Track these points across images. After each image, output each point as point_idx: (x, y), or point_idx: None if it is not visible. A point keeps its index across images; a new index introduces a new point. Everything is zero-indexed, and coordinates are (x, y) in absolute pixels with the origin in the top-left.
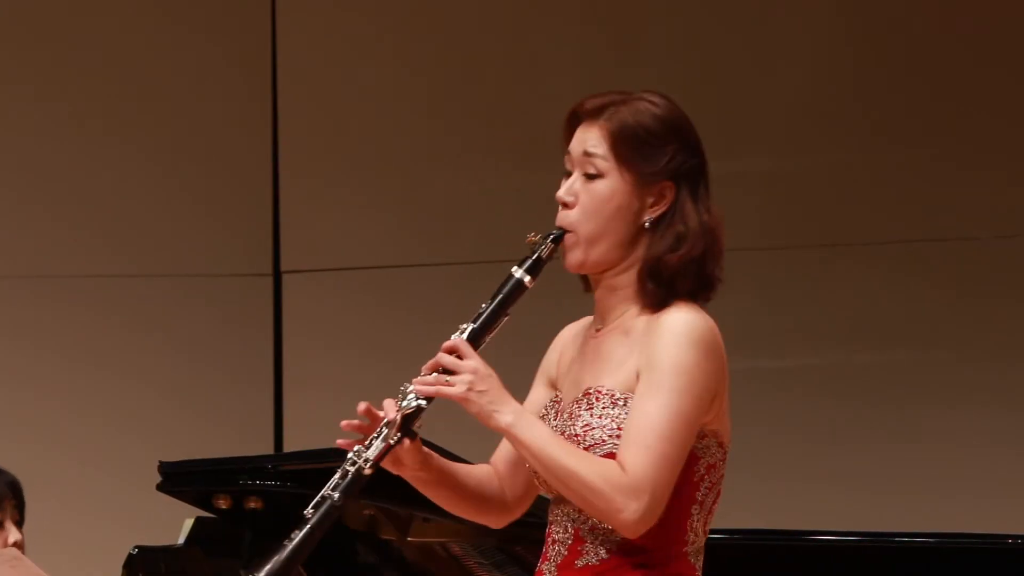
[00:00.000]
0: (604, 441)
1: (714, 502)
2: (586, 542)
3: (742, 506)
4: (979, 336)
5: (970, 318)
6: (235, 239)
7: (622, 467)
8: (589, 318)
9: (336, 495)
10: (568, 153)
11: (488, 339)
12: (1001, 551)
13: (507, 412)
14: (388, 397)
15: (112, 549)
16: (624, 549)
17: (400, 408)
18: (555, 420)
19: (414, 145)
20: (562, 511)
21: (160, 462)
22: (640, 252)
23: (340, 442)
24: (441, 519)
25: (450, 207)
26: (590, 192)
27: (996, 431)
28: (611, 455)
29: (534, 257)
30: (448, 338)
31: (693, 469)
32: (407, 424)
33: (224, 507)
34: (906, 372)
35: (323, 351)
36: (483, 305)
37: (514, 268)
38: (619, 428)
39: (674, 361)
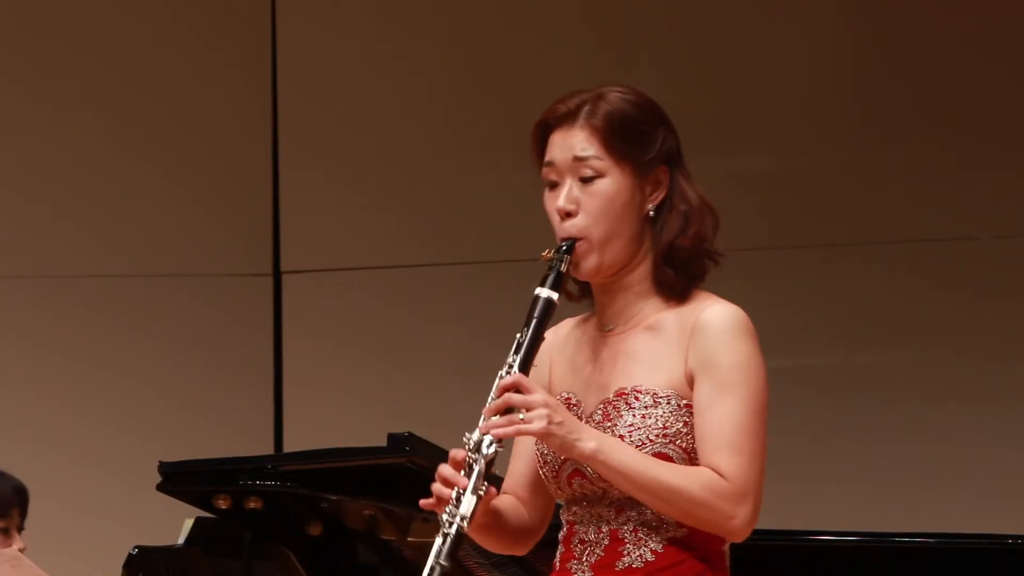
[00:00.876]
0: (652, 440)
1: None
2: (627, 543)
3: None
4: (979, 336)
5: (970, 318)
6: (235, 239)
7: (720, 474)
8: (571, 321)
9: (445, 562)
10: (549, 164)
11: (536, 365)
12: (1001, 551)
13: (589, 439)
14: (387, 398)
15: (112, 549)
16: (668, 552)
17: (483, 456)
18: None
19: (414, 145)
20: (591, 512)
21: (160, 462)
22: (648, 243)
23: (423, 503)
24: None
25: (450, 207)
26: (593, 194)
27: (996, 431)
28: (660, 455)
29: (555, 273)
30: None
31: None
32: (489, 472)
33: (224, 507)
34: (906, 372)
35: (323, 351)
36: (519, 335)
37: (538, 289)
38: (664, 427)
39: (734, 358)
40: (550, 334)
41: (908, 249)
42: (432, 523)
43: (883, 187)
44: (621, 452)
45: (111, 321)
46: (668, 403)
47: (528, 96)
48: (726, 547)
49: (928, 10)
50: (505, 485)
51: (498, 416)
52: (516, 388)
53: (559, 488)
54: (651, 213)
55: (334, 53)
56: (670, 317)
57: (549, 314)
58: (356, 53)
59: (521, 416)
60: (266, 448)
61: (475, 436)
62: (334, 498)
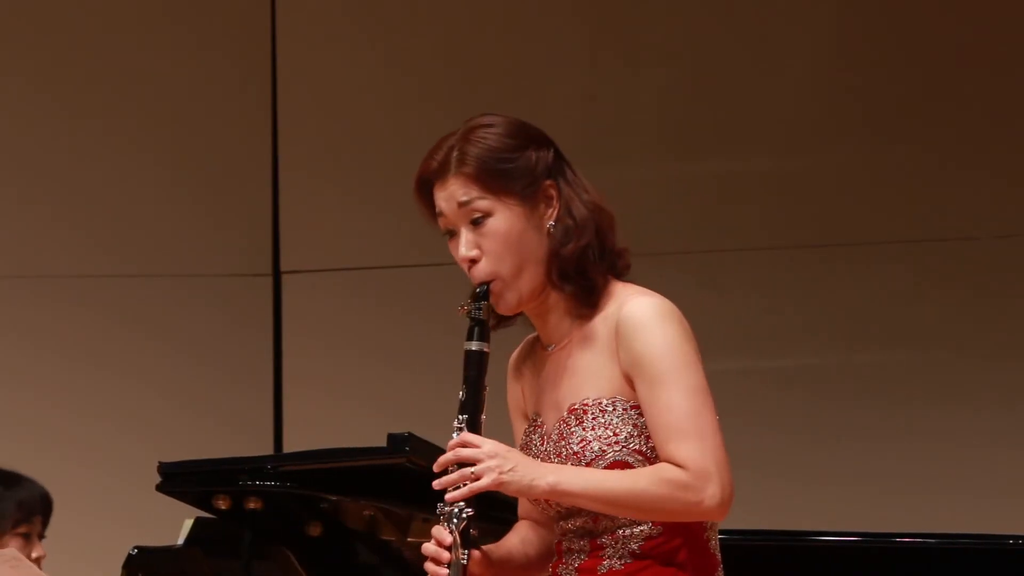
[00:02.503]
0: (604, 451)
1: None
2: (606, 548)
3: (742, 505)
4: (979, 336)
5: (970, 318)
6: (235, 239)
7: (677, 463)
8: (527, 340)
9: None
10: (440, 216)
11: (483, 418)
12: (1001, 551)
13: (545, 474)
14: (387, 398)
15: (112, 549)
16: (646, 551)
17: (455, 527)
18: (541, 445)
19: (414, 145)
20: (573, 524)
21: (160, 462)
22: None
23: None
24: None
25: None
26: (487, 235)
27: (996, 431)
28: (619, 463)
29: (478, 325)
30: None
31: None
32: (467, 537)
33: (224, 507)
34: (906, 372)
35: (323, 351)
36: (460, 393)
37: (466, 344)
38: (615, 434)
39: (658, 346)
40: (514, 359)
41: (908, 249)
42: (432, 523)
43: (883, 187)
44: (578, 478)
45: (111, 321)
46: (614, 409)
47: (529, 96)
48: (708, 533)
49: (928, 11)
50: (520, 512)
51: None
52: (463, 445)
53: (542, 507)
54: (551, 229)
55: (334, 53)
56: (598, 323)
57: (484, 365)
58: (356, 53)
59: (471, 472)
60: (266, 448)
61: (444, 507)
62: (334, 498)
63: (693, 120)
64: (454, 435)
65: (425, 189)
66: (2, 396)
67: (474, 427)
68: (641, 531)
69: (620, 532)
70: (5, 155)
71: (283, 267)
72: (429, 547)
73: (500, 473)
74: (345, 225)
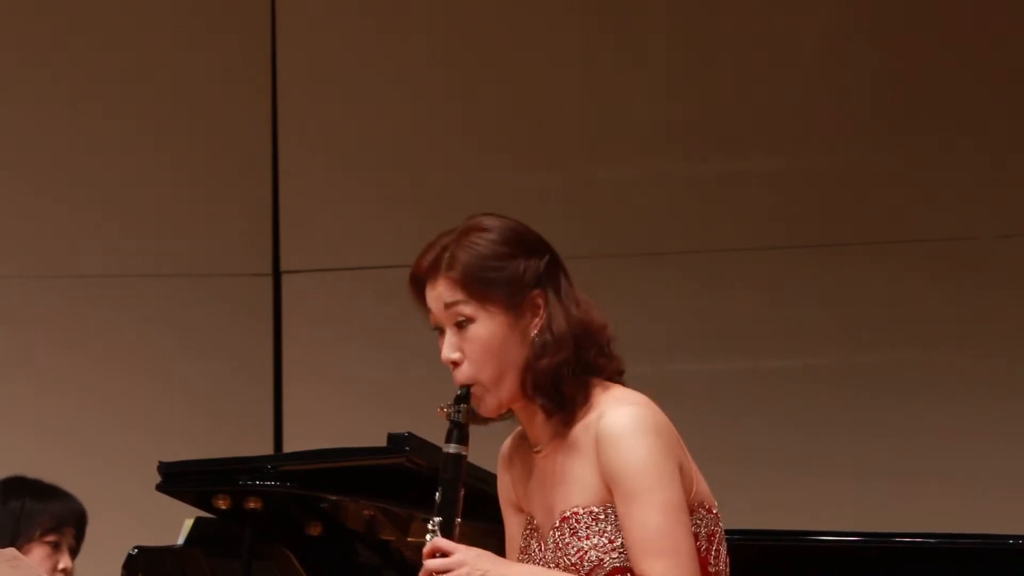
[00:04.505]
0: (602, 560)
1: (727, 564)
2: None
3: (741, 506)
4: (980, 336)
5: (970, 318)
6: (235, 239)
7: None
8: (519, 431)
9: None
10: (430, 313)
11: (459, 521)
12: (1001, 551)
13: None
14: (387, 398)
15: (112, 549)
16: None
17: None
18: (539, 551)
19: (414, 144)
20: None
21: (159, 462)
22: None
23: None
24: None
25: (450, 207)
26: (470, 340)
27: (997, 430)
28: (616, 571)
29: (456, 427)
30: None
31: (696, 545)
32: None
33: (224, 507)
34: (906, 372)
35: (323, 351)
36: (437, 495)
37: (444, 447)
38: (610, 542)
39: (633, 462)
40: (504, 449)
41: (908, 249)
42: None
43: (883, 187)
44: None
45: (112, 320)
46: (606, 517)
47: (530, 97)
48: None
49: (929, 10)
50: None
51: None
52: (438, 551)
53: None
54: (535, 338)
55: (334, 53)
56: (579, 431)
57: (461, 469)
58: (356, 53)
59: None
60: (266, 447)
61: None
62: (334, 498)
63: (693, 120)
64: (427, 538)
65: (418, 285)
66: (3, 393)
67: (449, 531)
68: None
69: None
70: (5, 155)
71: (283, 267)
72: None
73: None
74: (345, 225)
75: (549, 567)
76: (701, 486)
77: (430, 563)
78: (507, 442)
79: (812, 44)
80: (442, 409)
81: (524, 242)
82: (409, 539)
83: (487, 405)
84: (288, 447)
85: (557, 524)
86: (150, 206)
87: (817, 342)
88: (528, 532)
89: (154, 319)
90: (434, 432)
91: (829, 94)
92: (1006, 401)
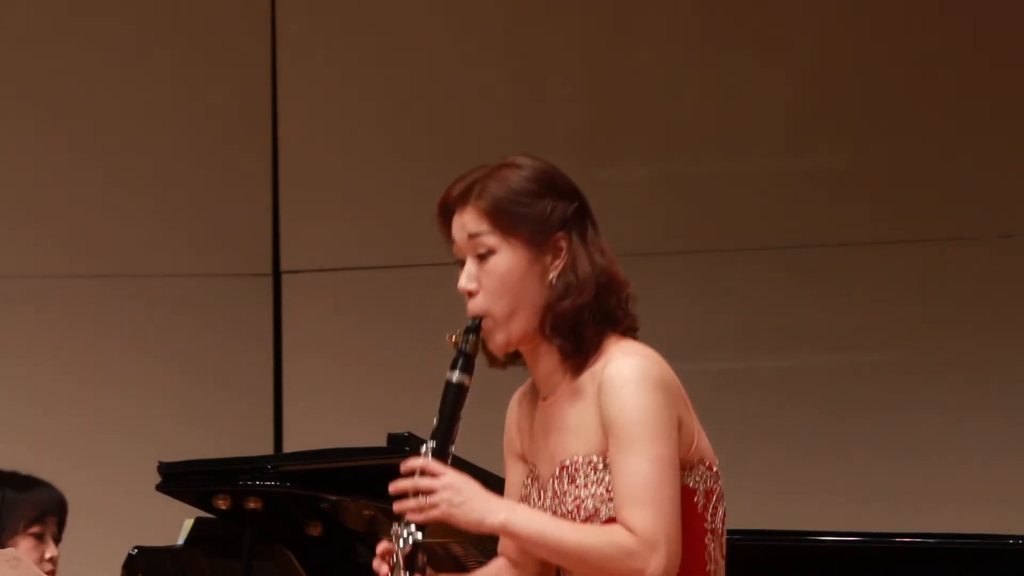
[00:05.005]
0: (598, 509)
1: (723, 524)
2: None
3: (740, 506)
4: (981, 335)
5: (970, 318)
6: (235, 239)
7: (628, 529)
8: (529, 382)
9: None
10: (453, 243)
11: (453, 448)
12: (1001, 551)
13: (497, 511)
14: (387, 398)
15: (112, 549)
16: None
17: (400, 549)
18: (539, 499)
19: (414, 145)
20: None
21: (159, 463)
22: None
23: None
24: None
25: None
26: (489, 272)
27: (996, 436)
28: (611, 520)
29: (462, 357)
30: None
31: (693, 501)
32: (412, 562)
33: (223, 507)
34: (906, 373)
35: (323, 350)
36: (435, 419)
37: (448, 374)
38: (608, 491)
39: (631, 411)
40: (514, 400)
41: (908, 249)
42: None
43: (883, 187)
44: (530, 521)
45: (110, 322)
46: (605, 468)
47: (530, 97)
48: (712, 566)
49: (929, 10)
50: (499, 548)
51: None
52: (424, 471)
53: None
54: (553, 281)
55: (334, 53)
56: (586, 379)
57: (461, 398)
58: (356, 54)
59: (426, 500)
60: (265, 448)
61: (398, 528)
62: (334, 498)
63: (693, 120)
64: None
65: (446, 214)
66: (1, 401)
67: (442, 456)
68: None
69: None
70: (3, 154)
71: (283, 267)
72: (375, 562)
73: (449, 506)
74: (345, 225)
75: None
76: (703, 443)
77: (421, 480)
78: (517, 393)
79: (811, 45)
80: (451, 338)
81: (555, 184)
82: None
83: (496, 340)
84: (288, 447)
85: (556, 473)
86: (150, 206)
87: (815, 343)
88: (529, 481)
89: (154, 319)
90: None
91: (828, 95)
92: (1007, 405)
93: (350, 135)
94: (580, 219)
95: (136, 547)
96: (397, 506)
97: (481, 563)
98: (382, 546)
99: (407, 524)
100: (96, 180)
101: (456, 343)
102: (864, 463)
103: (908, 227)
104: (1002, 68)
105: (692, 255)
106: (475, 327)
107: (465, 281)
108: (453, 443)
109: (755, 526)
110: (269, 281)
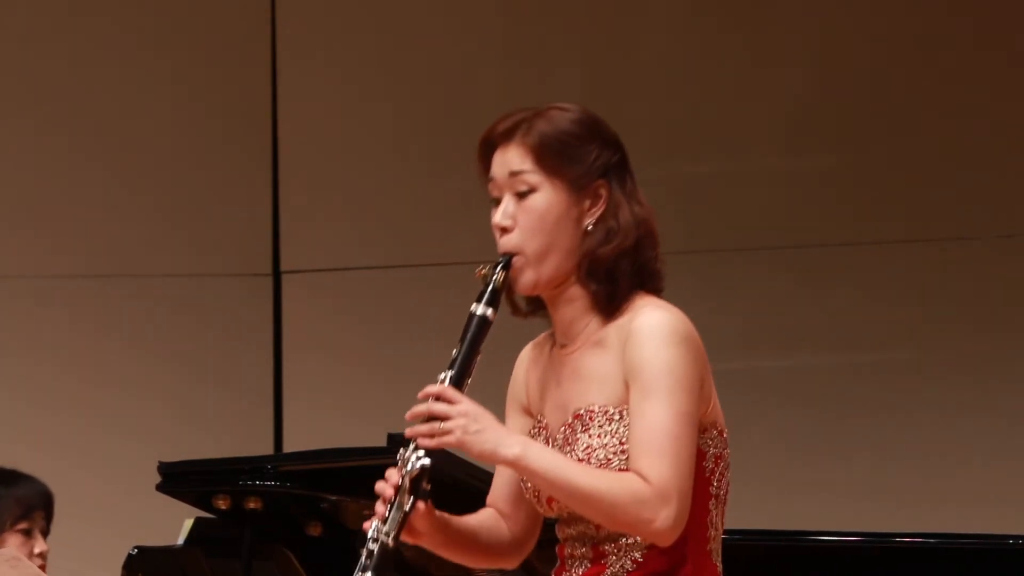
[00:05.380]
0: (609, 460)
1: (727, 492)
2: (610, 556)
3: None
4: (981, 335)
5: (971, 318)
6: (235, 239)
7: (642, 477)
8: (544, 335)
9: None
10: (491, 180)
11: (469, 381)
12: (1001, 551)
13: (512, 444)
14: (387, 399)
15: (112, 549)
16: (650, 557)
17: (407, 472)
18: (546, 447)
19: (414, 145)
20: (576, 530)
21: (159, 463)
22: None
23: (364, 525)
24: None
25: (450, 207)
26: (527, 209)
27: (996, 436)
28: (622, 471)
29: (489, 289)
30: (455, 340)
31: (702, 464)
32: (416, 487)
33: (223, 507)
34: (906, 373)
35: (323, 350)
36: (455, 350)
37: (473, 306)
38: (621, 443)
39: (659, 363)
40: (525, 351)
41: (908, 249)
42: None
43: (883, 187)
44: (544, 458)
45: (109, 322)
46: (621, 418)
47: (530, 97)
48: (712, 545)
49: (928, 10)
50: (488, 499)
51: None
52: (439, 397)
53: (541, 508)
54: (589, 228)
55: (334, 53)
56: (611, 330)
57: (484, 331)
58: (356, 54)
59: (440, 427)
60: (266, 448)
61: (405, 452)
62: (334, 498)
63: (693, 120)
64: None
65: (487, 150)
66: (1, 401)
67: (458, 386)
68: (641, 541)
69: (623, 540)
70: (2, 154)
71: (283, 267)
72: (378, 484)
73: (464, 433)
74: (345, 225)
75: None
76: (717, 408)
77: (435, 406)
78: (529, 346)
79: (811, 45)
80: (480, 271)
81: (601, 131)
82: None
83: (525, 279)
84: (288, 447)
85: (569, 420)
86: (150, 206)
87: (814, 343)
88: (535, 432)
89: (154, 319)
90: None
91: (828, 95)
92: (1007, 407)
93: (350, 135)
94: (621, 169)
95: (136, 547)
96: (410, 431)
97: None
98: (379, 484)
99: (416, 449)
100: (96, 180)
101: (484, 277)
102: (864, 463)
103: (908, 227)
104: (1002, 68)
105: (692, 255)
106: (506, 263)
107: (501, 217)
108: (470, 376)
109: (755, 526)
110: (269, 281)
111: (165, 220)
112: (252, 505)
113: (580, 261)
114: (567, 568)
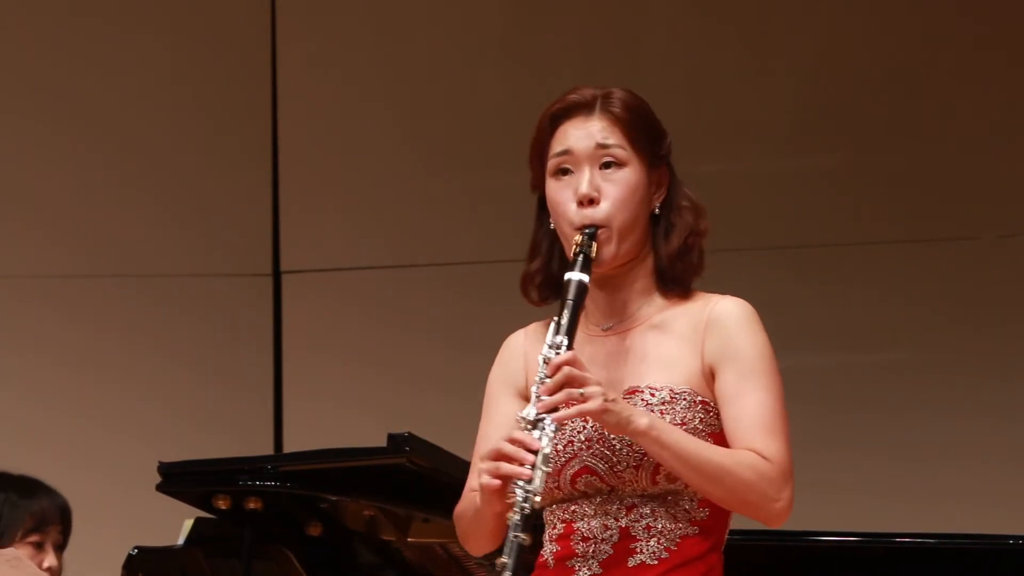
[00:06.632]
0: None
1: None
2: (639, 541)
3: None
4: (980, 336)
5: (970, 318)
6: (235, 239)
7: (764, 457)
8: (537, 324)
9: (523, 535)
10: (565, 153)
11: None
12: (1001, 551)
13: (641, 415)
14: (387, 399)
15: (112, 549)
16: (681, 549)
17: (547, 432)
18: (581, 428)
19: (414, 145)
20: (599, 509)
21: (159, 463)
22: (650, 241)
23: (485, 482)
24: (441, 519)
25: (450, 207)
26: (616, 182)
27: (996, 436)
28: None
29: (582, 257)
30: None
31: None
32: (548, 457)
33: (223, 507)
34: (906, 373)
35: (323, 351)
36: (556, 317)
37: (570, 274)
38: (683, 423)
39: (755, 348)
40: (520, 336)
41: (908, 249)
42: (432, 523)
43: (883, 187)
44: (671, 431)
45: (109, 322)
46: (684, 399)
47: (529, 98)
48: (723, 543)
49: (929, 10)
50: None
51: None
52: (571, 364)
53: (557, 487)
54: (656, 211)
55: (333, 54)
56: (677, 314)
57: (584, 297)
58: (355, 54)
59: (580, 393)
60: (266, 448)
61: (531, 414)
62: (334, 498)
63: (693, 120)
64: (544, 356)
65: (552, 124)
66: (1, 399)
67: (570, 349)
68: (679, 527)
69: (656, 527)
70: (2, 154)
71: (283, 267)
72: (507, 447)
73: (606, 400)
74: (345, 225)
75: (591, 438)
76: None
77: (572, 371)
78: (518, 334)
79: (810, 45)
80: (576, 241)
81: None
82: (409, 539)
83: (606, 251)
84: (288, 447)
85: (623, 395)
86: (150, 206)
87: (814, 343)
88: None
89: (154, 319)
90: (433, 433)
91: (828, 95)
92: (1006, 407)
93: (350, 135)
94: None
95: (136, 547)
96: (542, 405)
97: (480, 564)
98: (508, 448)
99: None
100: (96, 180)
101: (580, 244)
102: (864, 463)
103: (908, 227)
104: (1002, 68)
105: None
106: (592, 233)
107: (588, 187)
108: (574, 339)
109: (755, 526)
110: (269, 281)
111: (165, 220)
112: (252, 505)
113: (670, 245)
114: (577, 553)
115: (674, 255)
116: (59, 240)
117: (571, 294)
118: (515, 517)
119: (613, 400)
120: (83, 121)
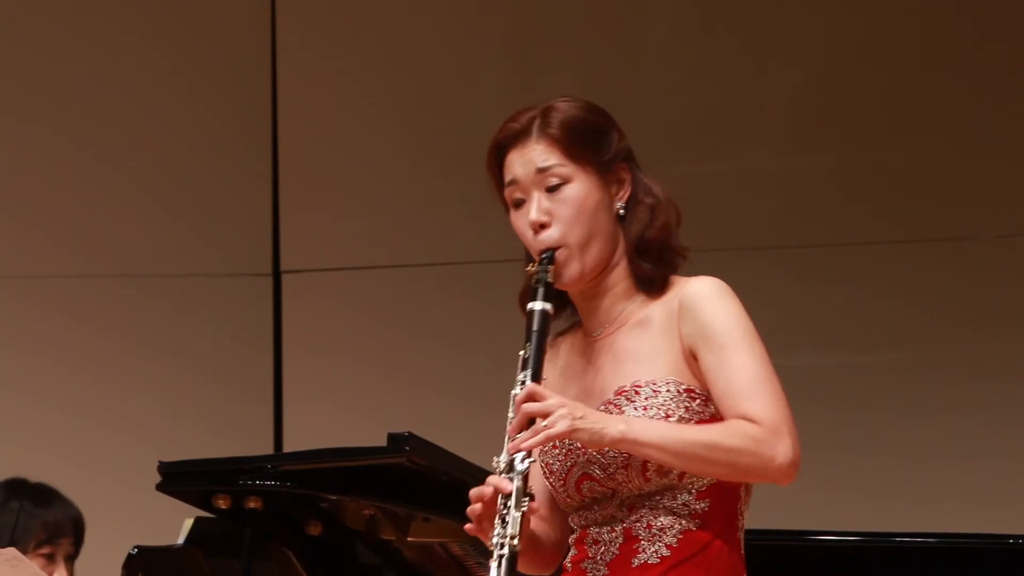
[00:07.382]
0: None
1: (752, 484)
2: (641, 540)
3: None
4: (980, 336)
5: (970, 318)
6: (235, 239)
7: (750, 419)
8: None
9: None
10: (512, 183)
11: (545, 379)
12: (1001, 551)
13: (614, 423)
14: (387, 399)
15: (112, 549)
16: (683, 546)
17: (519, 473)
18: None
19: (414, 145)
20: (603, 514)
21: (159, 462)
22: (622, 242)
23: (468, 527)
24: (441, 519)
25: (450, 207)
26: (562, 201)
27: (996, 436)
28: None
29: (543, 286)
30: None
31: None
32: (526, 486)
33: (223, 507)
34: (906, 373)
35: (323, 351)
36: (521, 352)
37: (531, 304)
38: (667, 415)
39: (726, 320)
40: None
41: (908, 249)
42: (432, 523)
43: (883, 187)
44: (647, 427)
45: (109, 322)
46: (668, 390)
47: (528, 98)
48: (740, 533)
49: (929, 10)
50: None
51: (522, 432)
52: (531, 398)
53: (568, 496)
54: (621, 211)
55: (333, 53)
56: (656, 307)
57: (547, 326)
58: (355, 54)
59: (543, 424)
60: (265, 448)
61: (504, 457)
62: (334, 498)
63: (693, 120)
64: (513, 393)
65: (499, 155)
66: (1, 399)
67: (536, 381)
68: (680, 524)
69: (656, 524)
70: (2, 154)
71: (283, 267)
72: (478, 490)
73: (573, 419)
74: (345, 225)
75: (584, 444)
76: None
77: (531, 406)
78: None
79: (810, 45)
80: (529, 269)
81: (611, 118)
82: (409, 539)
83: (570, 272)
84: (287, 447)
85: (611, 398)
86: (150, 206)
87: (814, 343)
88: None
89: (154, 319)
90: (433, 433)
91: (827, 95)
92: (1006, 407)
93: (350, 134)
94: (631, 154)
95: (136, 547)
96: (513, 445)
97: (480, 564)
98: (495, 479)
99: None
100: (96, 180)
101: (535, 274)
102: (864, 463)
103: (908, 227)
104: (1003, 68)
105: (692, 254)
106: (550, 258)
107: (537, 214)
108: (542, 371)
109: (755, 526)
110: (269, 281)
111: (165, 220)
112: (252, 505)
113: (630, 245)
114: (588, 555)
115: (636, 252)
116: (59, 240)
117: (535, 325)
118: (492, 565)
119: (581, 417)
120: (83, 121)
